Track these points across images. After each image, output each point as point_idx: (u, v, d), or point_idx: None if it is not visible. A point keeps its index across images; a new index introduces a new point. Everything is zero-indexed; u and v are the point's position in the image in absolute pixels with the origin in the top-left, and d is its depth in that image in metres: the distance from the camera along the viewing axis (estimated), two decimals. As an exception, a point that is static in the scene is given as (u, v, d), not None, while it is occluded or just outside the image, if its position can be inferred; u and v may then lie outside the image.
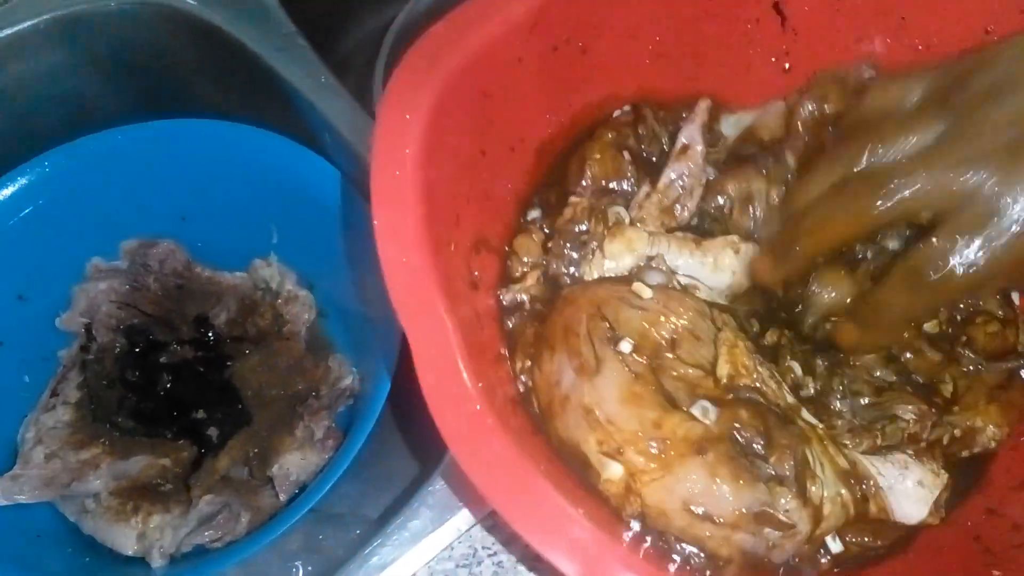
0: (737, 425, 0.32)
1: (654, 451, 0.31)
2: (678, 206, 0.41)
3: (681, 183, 0.41)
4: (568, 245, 0.39)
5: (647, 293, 0.35)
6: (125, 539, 0.51)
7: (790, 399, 0.34)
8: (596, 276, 0.38)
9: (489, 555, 0.42)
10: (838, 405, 0.36)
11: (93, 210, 0.61)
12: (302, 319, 0.63)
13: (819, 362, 0.36)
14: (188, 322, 0.61)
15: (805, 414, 0.34)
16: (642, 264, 0.37)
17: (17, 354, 0.59)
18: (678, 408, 0.32)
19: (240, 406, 0.58)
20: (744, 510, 0.31)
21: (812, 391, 0.36)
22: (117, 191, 0.61)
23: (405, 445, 0.57)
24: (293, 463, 0.52)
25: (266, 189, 0.61)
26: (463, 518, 0.42)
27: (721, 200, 0.41)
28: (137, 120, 0.60)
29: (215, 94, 0.62)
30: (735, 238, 0.38)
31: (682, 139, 0.41)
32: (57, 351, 0.61)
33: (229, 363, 0.61)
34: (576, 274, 0.39)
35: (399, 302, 0.31)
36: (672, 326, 0.34)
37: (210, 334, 0.62)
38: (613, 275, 0.38)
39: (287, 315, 0.62)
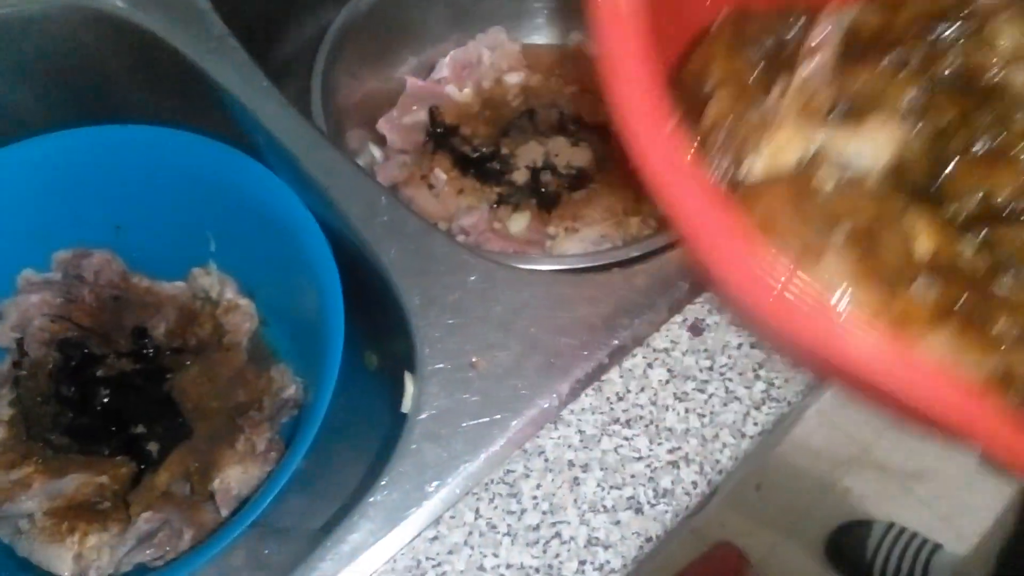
0: (960, 294, 0.32)
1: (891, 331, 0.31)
2: (815, 103, 0.40)
3: (815, 80, 0.41)
4: (723, 148, 0.38)
5: (829, 185, 0.35)
6: (61, 561, 0.49)
7: (981, 264, 0.35)
8: (763, 175, 0.37)
9: (433, 566, 0.41)
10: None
11: (23, 220, 0.59)
12: (243, 328, 0.62)
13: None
14: (126, 334, 0.60)
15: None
16: (809, 158, 0.37)
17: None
18: (901, 289, 0.32)
19: (180, 420, 0.56)
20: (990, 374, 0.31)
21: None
22: (48, 200, 0.60)
23: (350, 455, 0.56)
24: (234, 477, 0.51)
25: (202, 195, 0.59)
26: (406, 529, 0.41)
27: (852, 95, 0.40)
28: (68, 127, 0.58)
29: (148, 99, 0.60)
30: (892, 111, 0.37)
31: (817, 38, 0.40)
32: (-16, 369, 0.59)
33: (169, 376, 0.59)
34: (742, 175, 0.37)
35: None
36: (865, 214, 0.34)
37: (148, 346, 0.60)
38: (784, 172, 0.37)
39: (228, 325, 0.61)
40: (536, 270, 0.48)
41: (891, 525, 1.20)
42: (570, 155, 0.69)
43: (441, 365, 0.44)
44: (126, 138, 0.58)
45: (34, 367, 0.58)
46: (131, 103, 0.61)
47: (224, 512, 0.51)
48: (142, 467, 0.55)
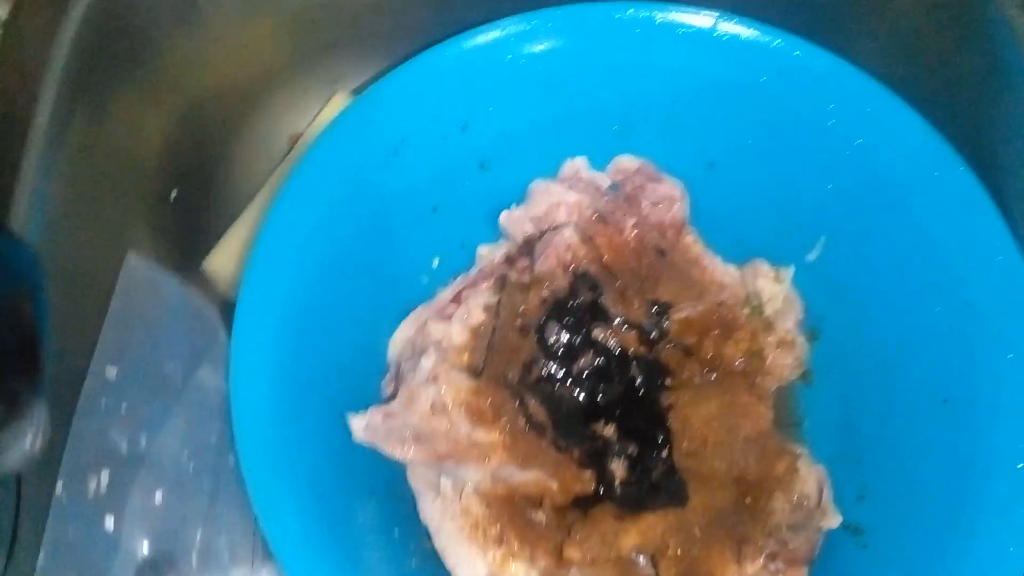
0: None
1: None
2: None
3: None
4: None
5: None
6: (471, 571, 0.35)
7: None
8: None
9: None
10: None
11: (604, 99, 0.44)
12: (781, 375, 0.44)
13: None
14: (644, 301, 0.44)
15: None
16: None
17: (443, 228, 0.44)
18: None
19: (668, 459, 0.40)
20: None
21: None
22: (642, 89, 0.43)
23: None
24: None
25: (845, 179, 0.41)
26: None
27: None
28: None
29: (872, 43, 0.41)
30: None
31: None
32: (479, 244, 0.46)
33: (666, 382, 0.43)
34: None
35: None
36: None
37: (656, 328, 0.44)
38: None
39: (770, 363, 0.43)
40: None
41: None
42: None
43: None
44: (776, 52, 0.40)
45: (531, 282, 0.44)
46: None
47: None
48: (599, 490, 0.39)
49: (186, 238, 0.45)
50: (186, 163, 0.46)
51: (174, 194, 0.45)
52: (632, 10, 0.41)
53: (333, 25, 0.51)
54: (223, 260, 0.44)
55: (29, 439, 0.22)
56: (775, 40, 0.40)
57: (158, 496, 0.31)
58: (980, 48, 0.37)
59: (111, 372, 0.31)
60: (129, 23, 0.39)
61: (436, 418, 0.36)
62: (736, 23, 0.40)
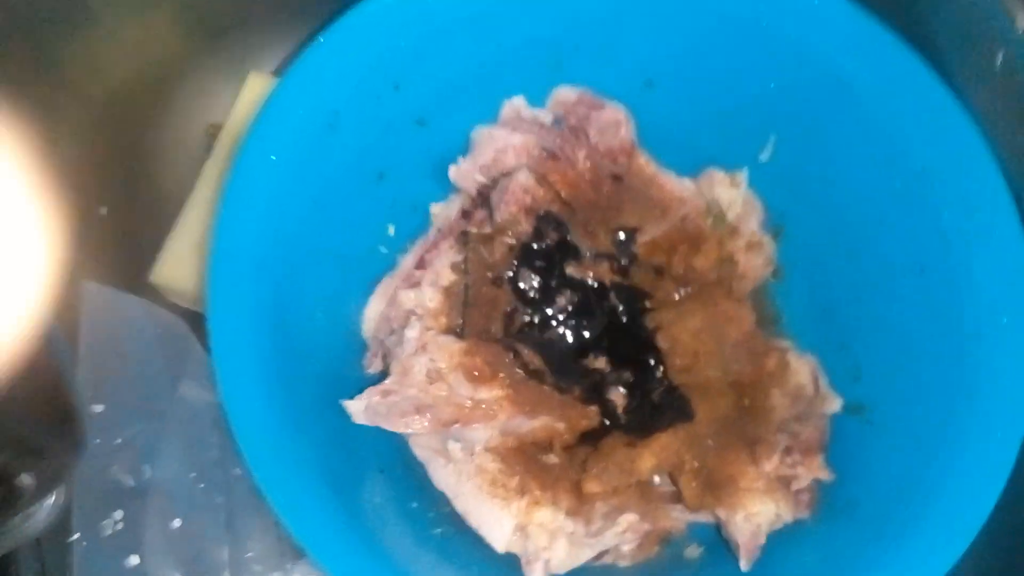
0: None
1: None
2: None
3: None
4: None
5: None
6: (498, 527, 0.35)
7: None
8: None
9: None
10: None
11: (533, 33, 0.43)
12: (755, 276, 0.44)
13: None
14: (610, 230, 0.44)
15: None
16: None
17: (392, 193, 0.43)
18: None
19: (664, 380, 0.40)
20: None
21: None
22: (569, 16, 0.42)
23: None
24: (765, 515, 0.34)
25: (786, 76, 0.41)
26: None
27: None
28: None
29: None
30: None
31: None
32: (430, 203, 0.45)
33: (646, 304, 0.43)
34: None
35: None
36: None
37: (625, 254, 0.44)
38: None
39: (742, 266, 0.44)
40: None
41: None
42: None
43: None
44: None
45: (493, 231, 0.43)
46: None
47: (743, 564, 0.34)
48: (605, 422, 0.39)
49: (126, 253, 0.43)
50: (107, 175, 0.43)
51: (103, 211, 0.42)
52: (547, -63, 0.40)
53: (232, 5, 0.48)
54: (171, 269, 0.42)
55: (54, 498, 0.21)
56: (695, -56, 0.39)
57: (175, 523, 0.30)
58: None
59: (97, 408, 0.29)
60: (22, 31, 0.36)
61: (434, 386, 0.35)
62: (653, -67, 0.39)
